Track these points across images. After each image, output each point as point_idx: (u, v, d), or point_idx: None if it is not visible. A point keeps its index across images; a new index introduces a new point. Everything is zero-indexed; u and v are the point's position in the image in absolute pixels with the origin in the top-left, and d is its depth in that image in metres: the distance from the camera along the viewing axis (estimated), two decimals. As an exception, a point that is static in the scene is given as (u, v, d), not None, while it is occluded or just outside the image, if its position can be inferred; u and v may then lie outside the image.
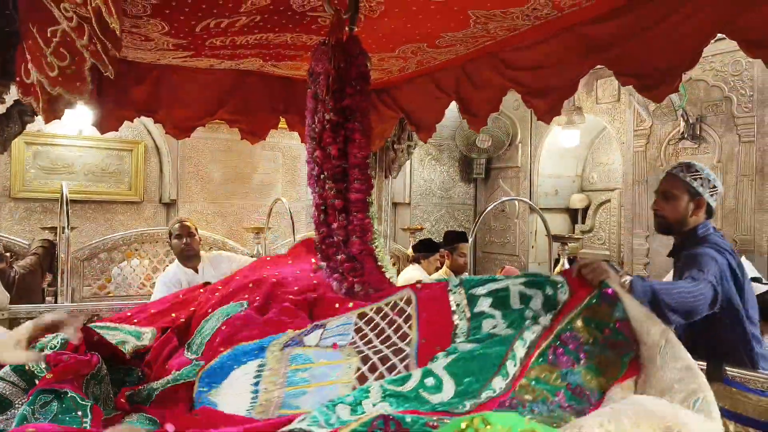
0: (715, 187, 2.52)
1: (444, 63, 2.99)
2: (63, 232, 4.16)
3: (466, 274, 4.57)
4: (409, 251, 5.64)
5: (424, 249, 5.32)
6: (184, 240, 3.74)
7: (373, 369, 1.67)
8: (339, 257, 2.02)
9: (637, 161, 6.61)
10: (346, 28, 2.11)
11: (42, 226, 5.35)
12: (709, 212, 2.54)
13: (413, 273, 5.12)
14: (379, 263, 2.06)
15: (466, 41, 2.62)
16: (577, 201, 7.95)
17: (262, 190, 7.09)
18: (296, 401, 1.64)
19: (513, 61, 2.59)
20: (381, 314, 1.86)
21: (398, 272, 5.66)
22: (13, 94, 3.29)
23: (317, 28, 2.43)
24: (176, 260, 3.84)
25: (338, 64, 1.98)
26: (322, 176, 2.03)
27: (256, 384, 1.77)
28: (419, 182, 8.37)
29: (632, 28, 2.03)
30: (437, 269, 5.53)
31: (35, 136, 5.93)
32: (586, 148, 7.96)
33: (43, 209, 6.08)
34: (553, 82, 2.39)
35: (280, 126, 3.70)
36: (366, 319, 1.87)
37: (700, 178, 2.50)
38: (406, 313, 1.81)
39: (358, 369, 1.68)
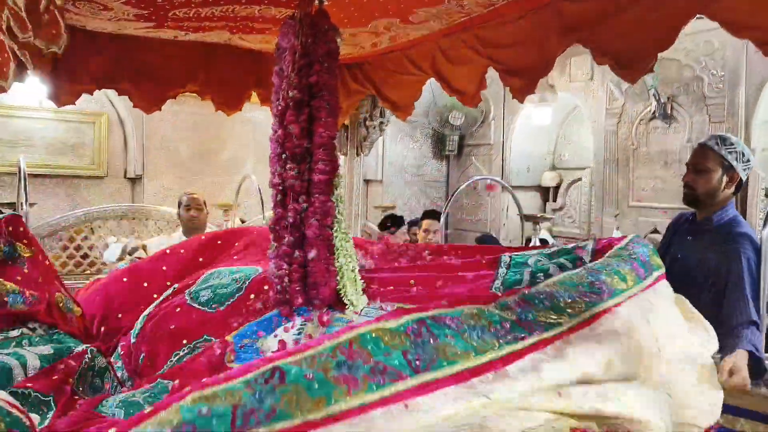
0: (749, 161, 2.46)
1: (419, 39, 2.91)
2: (22, 208, 3.99)
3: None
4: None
5: (391, 224, 5.31)
6: (192, 212, 3.94)
7: None
8: (286, 239, 1.93)
9: (608, 140, 6.63)
10: (315, 1, 2.01)
11: (0, 202, 5.15)
12: (739, 187, 2.50)
13: (384, 251, 5.09)
14: (334, 254, 1.98)
15: (440, 17, 2.54)
16: (549, 179, 7.97)
17: (232, 167, 6.93)
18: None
19: (489, 39, 2.52)
20: None
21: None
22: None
23: (287, 0, 2.32)
24: (180, 231, 3.99)
25: (305, 39, 1.88)
26: (283, 156, 1.94)
27: (299, 334, 1.80)
28: (392, 159, 8.29)
29: (610, 6, 1.98)
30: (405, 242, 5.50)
31: (-9, 106, 5.68)
32: (558, 126, 7.96)
33: (1, 183, 5.86)
34: (529, 60, 2.33)
35: (252, 100, 3.60)
36: None
37: (735, 151, 2.44)
38: None
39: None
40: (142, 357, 2.13)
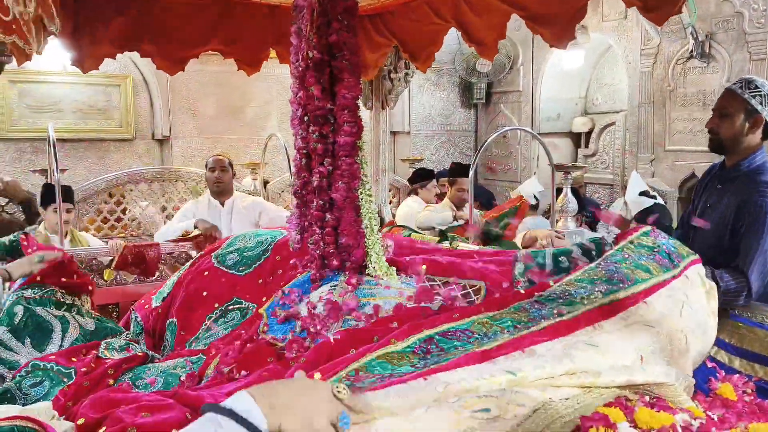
0: None
1: (441, -14, 2.79)
2: (53, 176, 4.04)
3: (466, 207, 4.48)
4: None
5: (420, 179, 5.25)
6: (216, 173, 3.90)
7: None
8: (314, 204, 1.91)
9: (643, 82, 6.38)
10: (332, -46, 1.93)
11: (32, 169, 5.23)
12: (767, 132, 2.39)
13: (412, 204, 5.06)
14: (361, 216, 1.95)
15: (462, -38, 2.42)
16: (581, 124, 7.76)
17: (258, 124, 6.90)
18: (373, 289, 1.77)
19: (513, -16, 2.40)
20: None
21: (398, 204, 5.59)
22: (-14, 32, 3.14)
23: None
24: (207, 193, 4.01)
25: (323, -5, 1.81)
26: (305, 118, 1.89)
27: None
28: (418, 109, 8.15)
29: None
30: (437, 196, 5.47)
31: (19, 73, 5.71)
32: (590, 68, 7.69)
33: (33, 149, 5.95)
34: (556, 6, 2.21)
35: (272, 56, 3.54)
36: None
37: (760, 95, 2.33)
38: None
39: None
40: (174, 325, 2.16)
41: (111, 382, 1.82)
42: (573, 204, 4.19)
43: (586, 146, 7.77)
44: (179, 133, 6.56)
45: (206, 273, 2.28)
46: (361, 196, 1.96)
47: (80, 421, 1.29)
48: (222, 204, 3.90)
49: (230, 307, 2.16)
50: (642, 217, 4.34)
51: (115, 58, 3.32)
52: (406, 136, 8.09)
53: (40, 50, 2.58)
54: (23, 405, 1.74)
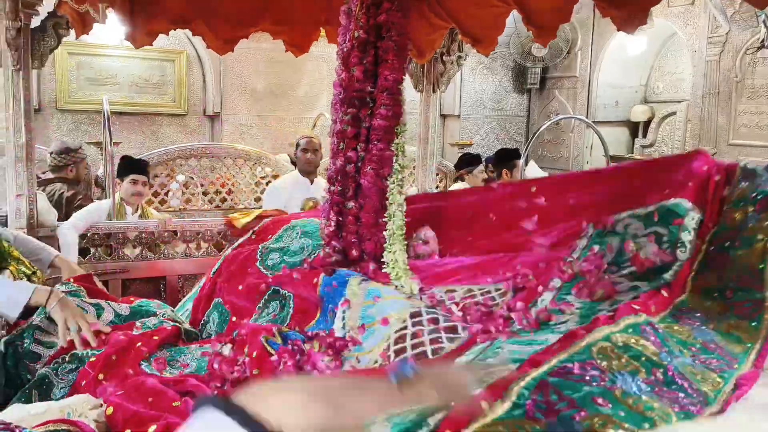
0: None
1: (502, -34, 2.66)
2: (107, 149, 4.13)
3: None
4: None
5: (467, 164, 5.14)
6: (309, 155, 4.15)
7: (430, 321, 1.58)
8: (334, 188, 1.83)
9: (709, 71, 6.07)
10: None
11: (88, 141, 5.36)
12: None
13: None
14: (385, 206, 1.86)
15: (524, -59, 2.30)
16: (639, 113, 7.46)
17: (307, 103, 6.89)
18: (366, 342, 1.64)
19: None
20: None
21: (446, 188, 5.51)
22: (47, 5, 3.19)
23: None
24: (295, 170, 4.29)
25: (375, -26, 1.74)
26: (344, 100, 1.83)
27: (343, 325, 1.76)
28: (470, 93, 7.98)
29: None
30: (484, 181, 5.36)
31: (77, 46, 5.84)
32: (653, 55, 7.36)
33: (89, 121, 6.10)
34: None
35: (322, 36, 3.49)
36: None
37: None
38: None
39: (415, 314, 1.59)
40: (221, 307, 2.16)
41: (146, 354, 1.83)
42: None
43: (644, 136, 7.47)
44: (230, 110, 6.61)
45: (249, 269, 2.26)
46: (391, 187, 1.88)
47: (109, 411, 1.28)
48: (311, 182, 4.17)
49: (271, 297, 2.14)
50: None
51: (167, 34, 3.34)
52: (456, 120, 7.96)
53: (103, 20, 2.61)
54: (60, 390, 1.76)
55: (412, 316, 1.58)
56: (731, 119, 5.88)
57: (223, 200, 5.02)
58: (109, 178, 4.02)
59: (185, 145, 5.33)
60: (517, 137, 8.24)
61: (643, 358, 1.04)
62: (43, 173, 4.47)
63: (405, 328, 1.56)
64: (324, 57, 6.67)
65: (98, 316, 1.95)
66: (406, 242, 1.95)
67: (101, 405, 1.32)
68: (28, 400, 1.77)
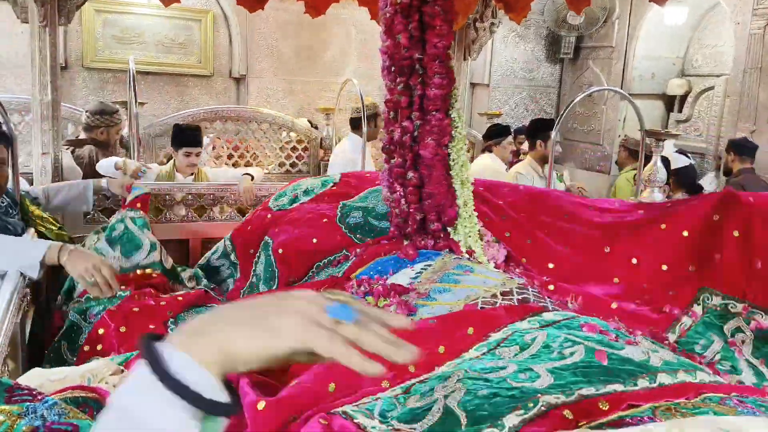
0: None
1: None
2: (133, 109, 4.09)
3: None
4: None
5: (495, 135, 5.02)
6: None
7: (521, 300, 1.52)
8: (395, 160, 1.77)
9: (752, 44, 5.80)
10: None
11: (114, 100, 5.32)
12: None
13: (486, 161, 4.87)
14: (451, 174, 1.81)
15: None
16: (676, 86, 7.21)
17: (334, 68, 6.77)
18: (438, 296, 1.60)
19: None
20: None
21: (472, 159, 5.40)
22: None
23: None
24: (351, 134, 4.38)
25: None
26: (392, 68, 1.75)
27: (415, 278, 1.73)
28: (500, 62, 7.77)
29: None
30: (513, 153, 5.25)
31: (104, 3, 5.77)
32: (692, 27, 7.07)
33: (115, 80, 6.05)
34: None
35: (349, -1, 3.38)
36: None
37: None
38: None
39: (506, 292, 1.52)
40: (270, 250, 2.14)
41: (170, 314, 1.82)
42: (662, 174, 3.92)
43: (680, 111, 7.23)
44: (256, 73, 6.51)
45: (325, 220, 2.22)
46: (454, 154, 1.82)
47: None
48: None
49: (338, 259, 2.11)
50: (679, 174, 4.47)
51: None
52: (485, 89, 7.77)
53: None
54: (89, 332, 1.77)
55: (504, 294, 1.51)
56: (774, 96, 5.65)
57: (248, 164, 4.97)
58: (133, 138, 3.99)
59: (211, 108, 5.27)
60: (547, 108, 8.04)
61: None
62: (77, 135, 4.46)
63: (486, 298, 1.49)
64: (352, 21, 6.51)
65: (151, 250, 2.05)
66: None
67: (122, 371, 1.28)
68: (58, 354, 1.77)
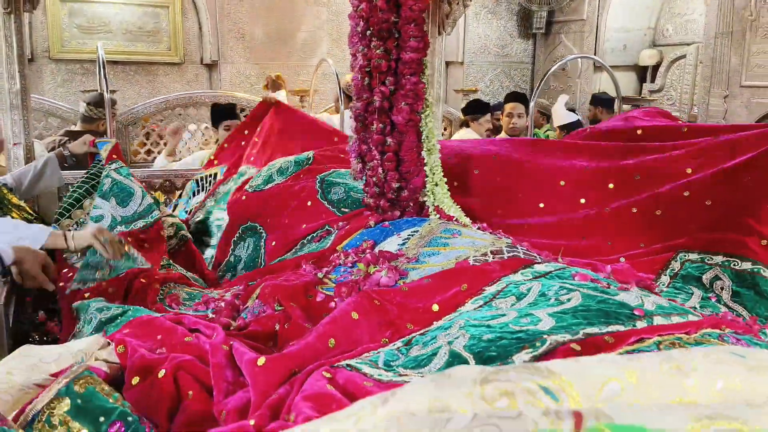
0: None
1: None
2: (104, 96, 4.00)
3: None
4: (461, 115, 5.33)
5: (473, 111, 5.03)
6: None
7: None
8: (374, 127, 1.76)
9: (723, 11, 5.86)
10: None
11: (83, 89, 5.21)
12: None
13: (465, 136, 4.87)
14: (423, 141, 1.80)
15: None
16: (648, 57, 7.27)
17: (306, 50, 6.69)
18: (427, 259, 1.61)
19: None
20: None
21: (450, 135, 5.40)
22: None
23: None
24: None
25: None
26: (368, 32, 1.73)
27: (402, 244, 1.73)
28: (474, 39, 7.76)
29: None
30: (488, 131, 5.25)
31: (68, -8, 5.63)
32: (662, -3, 7.13)
33: (84, 71, 5.92)
34: None
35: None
36: None
37: None
38: None
39: (496, 251, 1.53)
40: (259, 229, 2.12)
41: (158, 287, 1.80)
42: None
43: (653, 81, 7.30)
44: (228, 58, 6.42)
45: (309, 203, 2.20)
46: (424, 120, 1.81)
47: (120, 349, 1.22)
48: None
49: (319, 234, 2.10)
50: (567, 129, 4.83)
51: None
52: (460, 67, 7.76)
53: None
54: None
55: (494, 253, 1.50)
56: (744, 60, 5.72)
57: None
58: (110, 127, 3.93)
59: (183, 93, 5.20)
60: (522, 84, 8.06)
61: None
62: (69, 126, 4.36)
63: (477, 257, 1.49)
64: (323, 2, 6.44)
65: (143, 196, 2.24)
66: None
67: (108, 343, 1.26)
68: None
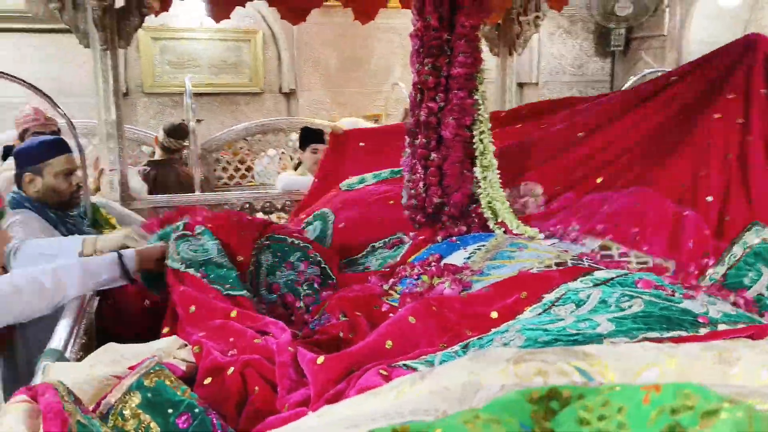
0: None
1: None
2: (189, 125, 4.27)
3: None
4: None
5: None
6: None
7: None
8: (418, 141, 1.79)
9: (815, 19, 5.55)
10: None
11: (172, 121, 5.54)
12: None
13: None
14: (476, 158, 1.81)
15: None
16: (735, 71, 6.93)
17: (380, 75, 6.86)
18: (492, 271, 1.61)
19: None
20: None
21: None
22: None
23: None
24: None
25: None
26: (421, 50, 1.78)
27: (468, 258, 1.74)
28: (548, 59, 7.69)
29: None
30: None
31: (160, 30, 6.05)
32: (749, 8, 6.81)
33: (173, 103, 6.31)
34: None
35: (391, 5, 3.48)
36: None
37: None
38: None
39: (560, 263, 1.53)
40: (329, 232, 2.20)
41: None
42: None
43: (740, 96, 6.95)
44: (305, 86, 6.67)
45: (391, 202, 2.25)
46: (477, 136, 1.83)
47: (196, 349, 1.30)
48: None
49: (392, 241, 2.15)
50: None
51: (244, 6, 3.38)
52: (534, 88, 7.69)
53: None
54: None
55: (558, 265, 1.50)
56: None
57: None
58: (194, 154, 4.18)
59: (262, 121, 5.46)
60: (599, 103, 7.87)
61: None
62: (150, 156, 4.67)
63: (540, 269, 1.50)
64: (396, 28, 6.59)
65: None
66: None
67: (185, 345, 1.35)
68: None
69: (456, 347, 1.16)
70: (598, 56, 7.89)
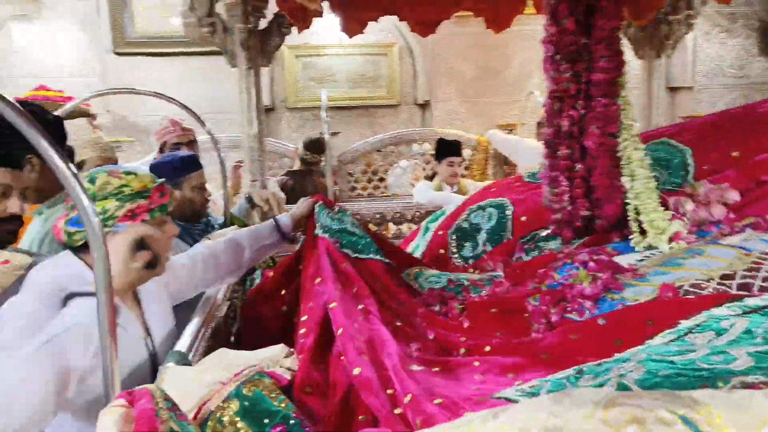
0: None
1: None
2: (324, 136, 4.46)
3: None
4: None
5: None
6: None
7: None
8: (560, 153, 1.68)
9: None
10: None
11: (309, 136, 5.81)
12: None
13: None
14: (619, 166, 1.67)
15: None
16: None
17: (516, 85, 6.70)
18: (653, 278, 1.52)
19: None
20: None
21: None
22: (272, 7, 3.51)
23: None
24: None
25: None
26: (557, 56, 1.68)
27: (640, 261, 1.67)
28: (704, 60, 7.06)
29: None
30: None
31: (302, 48, 6.37)
32: None
33: (314, 117, 6.60)
34: None
35: (527, 12, 3.38)
36: None
37: None
38: None
39: (728, 275, 1.39)
40: (510, 225, 2.19)
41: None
42: None
43: None
44: (440, 97, 6.69)
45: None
46: (622, 144, 1.69)
47: (356, 371, 1.29)
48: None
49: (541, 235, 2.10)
50: None
51: (377, 21, 3.45)
52: (689, 92, 7.09)
53: (319, 11, 2.81)
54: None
55: (723, 278, 1.35)
56: None
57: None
58: (328, 166, 4.34)
59: (395, 132, 5.55)
60: (765, 107, 7.08)
61: None
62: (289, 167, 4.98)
63: (696, 282, 1.38)
64: (533, 36, 6.39)
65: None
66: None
67: (291, 352, 1.37)
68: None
69: (570, 371, 1.07)
70: (763, 56, 7.10)
